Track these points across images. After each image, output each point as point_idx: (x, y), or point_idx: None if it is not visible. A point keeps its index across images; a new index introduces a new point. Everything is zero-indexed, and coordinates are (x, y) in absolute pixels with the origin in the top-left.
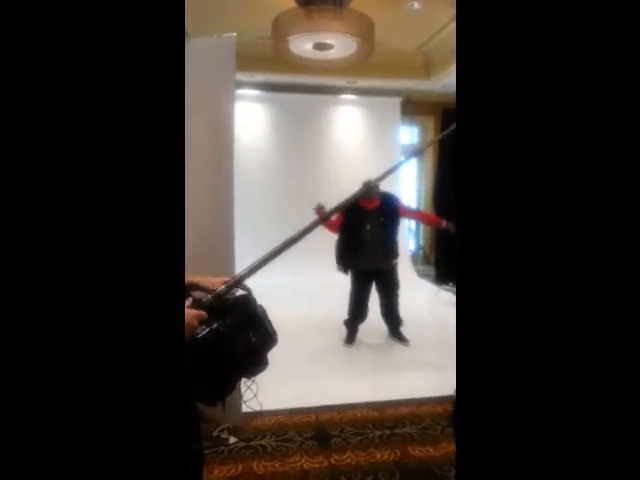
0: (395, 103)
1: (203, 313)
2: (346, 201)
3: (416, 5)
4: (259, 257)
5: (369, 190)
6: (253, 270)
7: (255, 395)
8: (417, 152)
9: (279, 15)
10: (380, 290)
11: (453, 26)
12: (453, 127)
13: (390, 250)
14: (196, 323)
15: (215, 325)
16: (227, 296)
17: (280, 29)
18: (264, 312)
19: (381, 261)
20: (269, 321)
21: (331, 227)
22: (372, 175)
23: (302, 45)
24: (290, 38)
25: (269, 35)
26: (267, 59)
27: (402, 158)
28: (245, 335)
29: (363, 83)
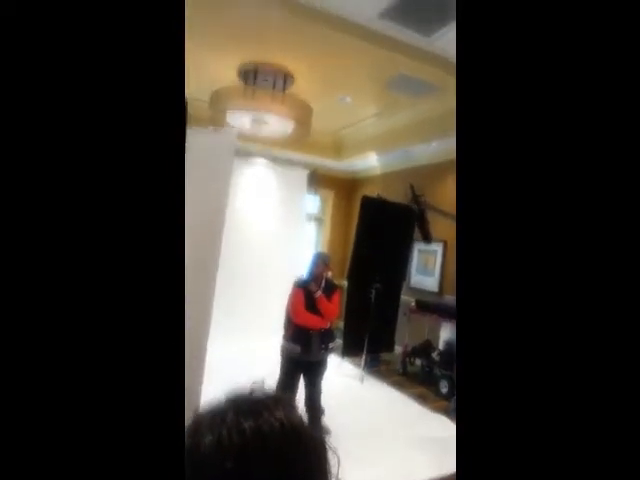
0: (303, 174)
1: None
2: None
3: (348, 99)
4: None
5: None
6: None
7: None
8: None
9: (220, 88)
10: (308, 379)
11: (373, 120)
12: None
13: (332, 341)
14: None
15: None
16: None
17: (220, 101)
18: None
19: (320, 353)
20: None
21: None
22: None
23: (240, 118)
24: (229, 112)
25: (198, 97)
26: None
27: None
28: None
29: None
